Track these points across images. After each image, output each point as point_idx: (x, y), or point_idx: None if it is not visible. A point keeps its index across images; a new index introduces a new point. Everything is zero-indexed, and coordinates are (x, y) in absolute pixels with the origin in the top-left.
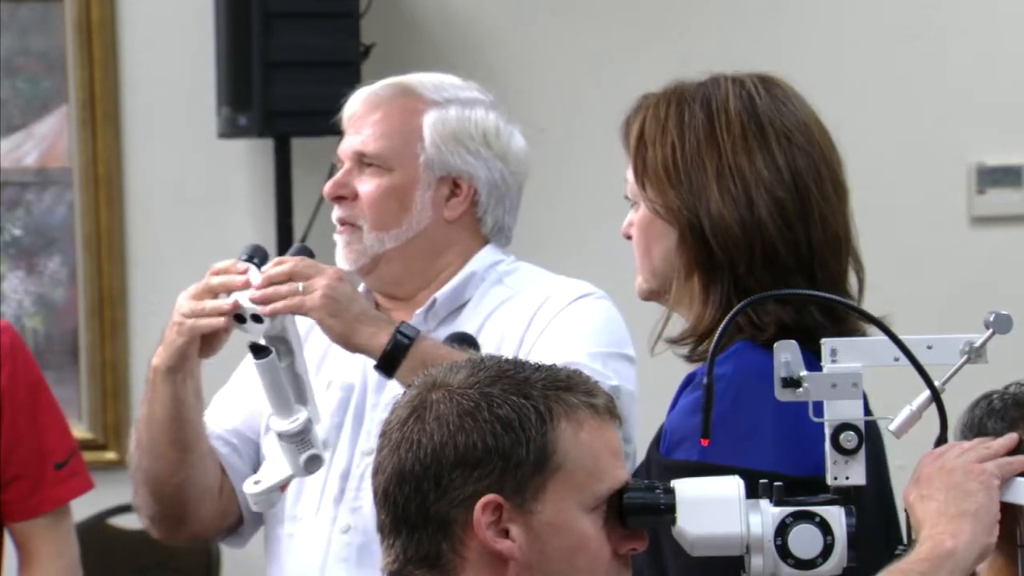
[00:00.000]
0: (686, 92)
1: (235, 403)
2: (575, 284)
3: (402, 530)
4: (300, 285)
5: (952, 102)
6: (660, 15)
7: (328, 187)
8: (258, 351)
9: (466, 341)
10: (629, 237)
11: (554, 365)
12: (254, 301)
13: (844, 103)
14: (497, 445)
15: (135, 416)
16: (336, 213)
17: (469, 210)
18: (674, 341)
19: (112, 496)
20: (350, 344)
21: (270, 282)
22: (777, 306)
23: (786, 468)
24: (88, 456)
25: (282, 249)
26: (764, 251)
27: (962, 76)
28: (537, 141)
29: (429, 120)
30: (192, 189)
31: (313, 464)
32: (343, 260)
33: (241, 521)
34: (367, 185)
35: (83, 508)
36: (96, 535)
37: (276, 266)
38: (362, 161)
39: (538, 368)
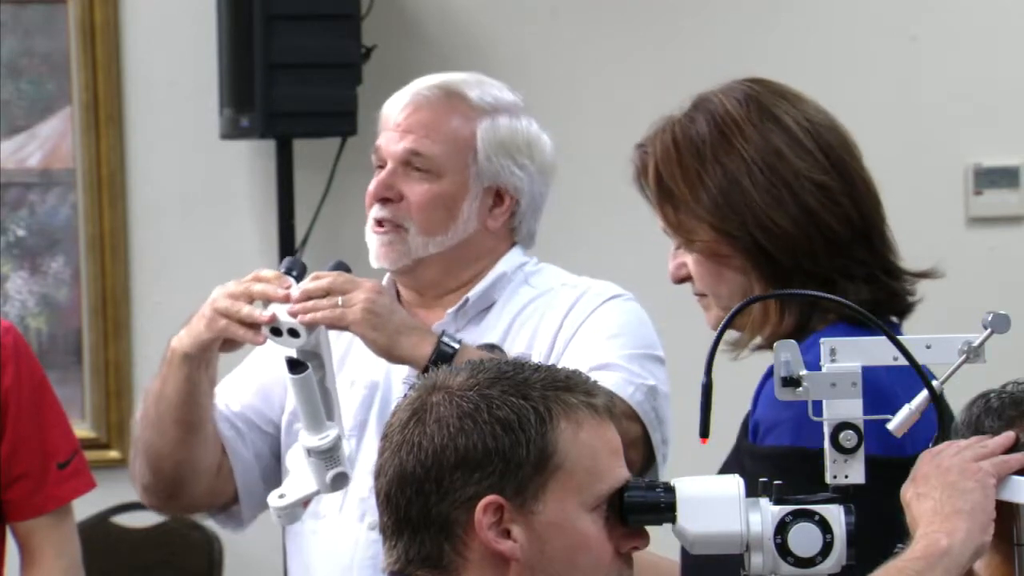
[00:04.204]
0: (683, 127)
1: (247, 387)
2: (604, 285)
3: (404, 532)
4: (339, 299)
5: (949, 103)
6: (660, 16)
7: (374, 187)
8: (295, 366)
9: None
10: (681, 280)
11: (553, 366)
12: (291, 313)
13: (842, 103)
14: (497, 446)
15: (137, 415)
16: (378, 213)
17: (508, 220)
18: (761, 347)
19: (115, 495)
20: (393, 356)
21: (308, 297)
22: (853, 284)
23: (883, 450)
24: (91, 455)
25: (283, 250)
26: (822, 235)
27: (960, 77)
28: None
29: (481, 130)
30: (194, 190)
31: (339, 482)
32: (380, 259)
33: (235, 501)
34: (416, 189)
35: (86, 507)
36: (99, 534)
37: (314, 281)
38: (410, 164)
39: (537, 369)
